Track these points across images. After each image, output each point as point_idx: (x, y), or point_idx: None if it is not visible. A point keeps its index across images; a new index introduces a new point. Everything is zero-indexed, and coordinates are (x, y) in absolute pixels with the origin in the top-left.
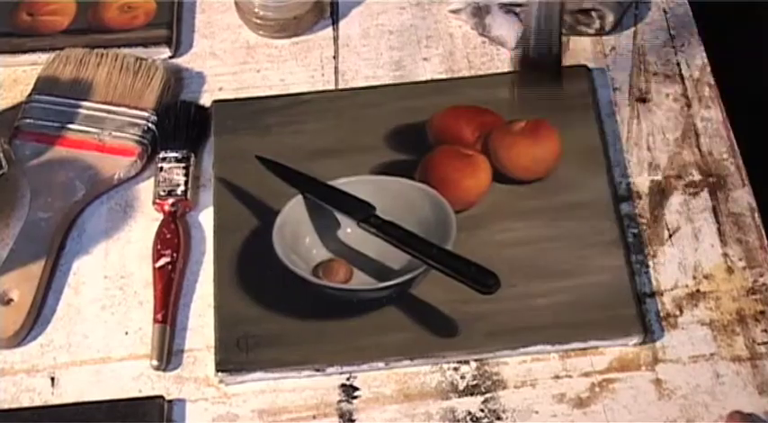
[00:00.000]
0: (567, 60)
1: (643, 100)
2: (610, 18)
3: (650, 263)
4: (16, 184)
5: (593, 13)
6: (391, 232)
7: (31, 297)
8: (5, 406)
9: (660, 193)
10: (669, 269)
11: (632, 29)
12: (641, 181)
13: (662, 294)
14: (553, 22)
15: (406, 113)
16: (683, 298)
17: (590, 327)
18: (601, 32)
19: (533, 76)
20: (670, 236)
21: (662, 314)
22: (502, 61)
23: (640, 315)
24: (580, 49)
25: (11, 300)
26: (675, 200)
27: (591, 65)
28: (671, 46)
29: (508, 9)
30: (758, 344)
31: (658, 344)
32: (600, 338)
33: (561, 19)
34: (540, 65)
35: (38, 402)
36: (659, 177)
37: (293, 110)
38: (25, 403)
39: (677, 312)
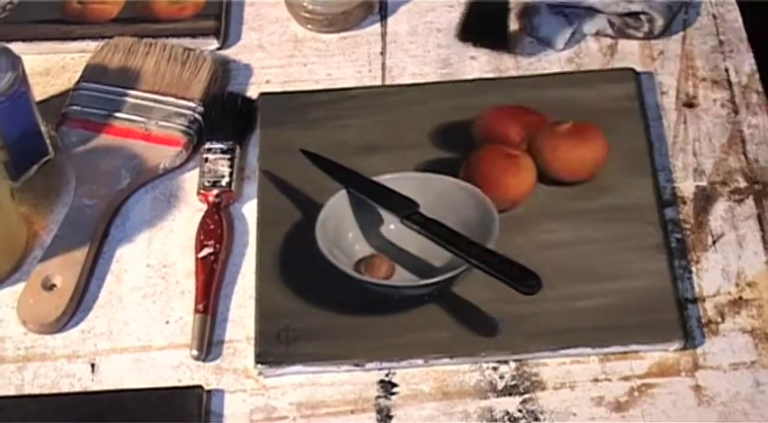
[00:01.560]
0: (614, 62)
1: (690, 105)
2: (659, 22)
3: (693, 268)
4: (62, 171)
5: (643, 17)
6: (434, 230)
7: (74, 283)
8: (46, 391)
9: (705, 199)
10: (712, 276)
11: (681, 33)
12: (686, 186)
13: (704, 301)
14: None
15: (452, 111)
16: (725, 305)
17: (631, 331)
18: (650, 36)
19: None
20: (714, 242)
21: (703, 320)
22: (549, 61)
23: (682, 321)
24: (628, 52)
25: (53, 285)
26: (720, 206)
27: (638, 68)
28: (719, 51)
29: (557, 10)
30: None
31: (699, 350)
32: (640, 343)
33: None
34: (482, 29)
35: (78, 388)
36: (704, 183)
37: (339, 105)
38: (65, 389)
39: (719, 319)
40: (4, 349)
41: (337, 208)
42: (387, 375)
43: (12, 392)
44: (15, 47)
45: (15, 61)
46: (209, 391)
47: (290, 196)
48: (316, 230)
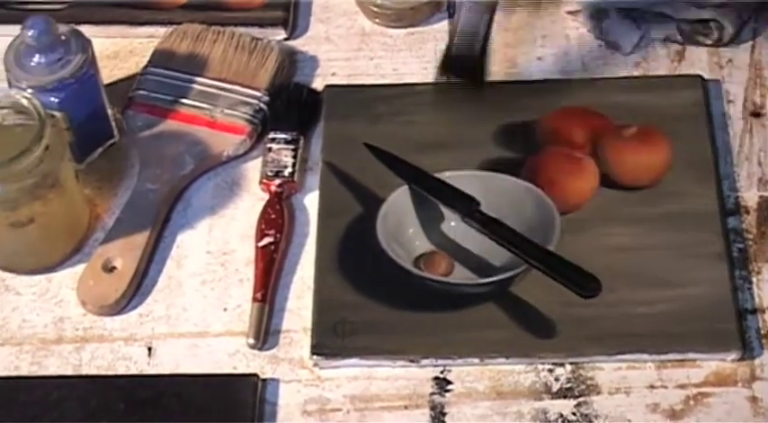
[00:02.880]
0: (682, 69)
1: (757, 114)
2: (729, 30)
3: (754, 279)
4: (126, 154)
5: (712, 24)
6: (495, 229)
7: (134, 266)
8: (102, 372)
9: None
10: None
11: (750, 42)
12: (750, 196)
13: (764, 312)
14: (478, 25)
15: (517, 111)
16: None
17: (688, 338)
18: (718, 44)
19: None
20: None
21: (762, 332)
22: (617, 65)
23: (740, 331)
24: (696, 59)
25: (114, 268)
26: None
27: (706, 75)
28: None
29: (627, 14)
30: None
31: (757, 361)
32: (698, 351)
33: (489, 25)
34: (461, 65)
35: (133, 371)
36: None
37: (405, 100)
38: (121, 371)
39: None
40: (62, 329)
41: (399, 203)
42: (442, 372)
43: (69, 372)
44: (85, 29)
45: (85, 44)
46: (263, 380)
47: (351, 189)
48: (376, 225)
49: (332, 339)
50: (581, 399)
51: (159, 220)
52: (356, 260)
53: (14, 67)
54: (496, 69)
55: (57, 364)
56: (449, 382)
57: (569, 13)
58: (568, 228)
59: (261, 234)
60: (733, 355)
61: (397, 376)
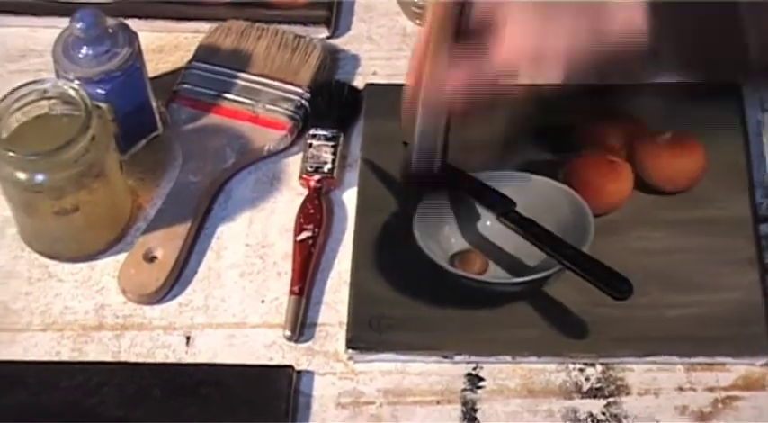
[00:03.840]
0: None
1: None
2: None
3: None
4: (170, 147)
5: None
6: (529, 229)
7: (175, 257)
8: (141, 359)
9: None
10: None
11: None
12: None
13: None
14: (435, 141)
15: (554, 114)
16: None
17: (718, 342)
18: None
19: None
20: None
21: None
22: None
23: None
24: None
25: (155, 257)
26: None
27: None
28: None
29: None
30: None
31: None
32: (727, 355)
33: (445, 140)
34: (420, 180)
35: (172, 359)
36: None
37: None
38: (159, 359)
39: None
40: (103, 317)
41: (436, 201)
42: (474, 369)
43: (108, 358)
44: (132, 23)
45: (132, 37)
46: (299, 372)
47: (389, 187)
48: (413, 222)
49: (367, 334)
50: (611, 399)
51: (200, 212)
52: (392, 256)
53: (62, 58)
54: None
55: (97, 350)
56: (481, 379)
57: None
58: (602, 230)
59: (299, 228)
60: (762, 360)
61: (430, 372)
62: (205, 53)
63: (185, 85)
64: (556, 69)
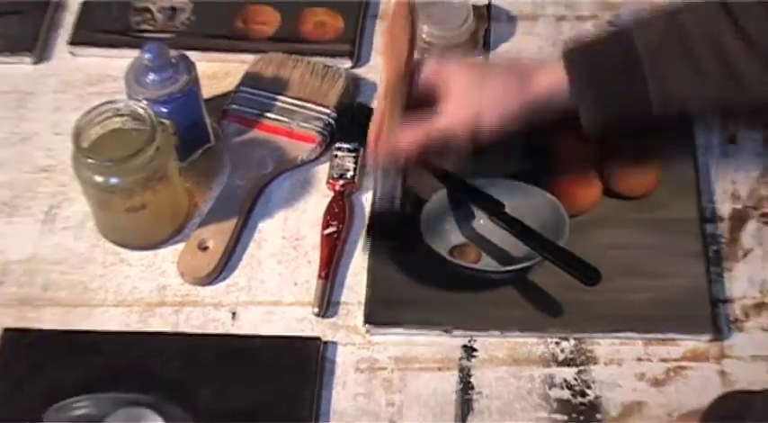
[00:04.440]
0: None
1: (732, 141)
2: None
3: (725, 275)
4: (220, 156)
5: None
6: (516, 227)
7: (223, 246)
8: (195, 331)
9: (739, 219)
10: (740, 282)
11: None
12: (724, 208)
13: (732, 302)
14: (394, 187)
15: (539, 135)
16: (750, 307)
17: (670, 322)
18: None
19: (380, 225)
20: (744, 255)
21: (731, 318)
22: None
23: (713, 317)
24: None
25: (207, 247)
26: (751, 226)
27: None
28: None
29: None
30: None
31: (726, 342)
32: (678, 332)
33: (402, 186)
34: (384, 216)
35: (220, 331)
36: (739, 206)
37: None
38: (210, 330)
39: (744, 318)
40: (164, 295)
41: (438, 203)
42: (469, 341)
43: (168, 330)
44: (191, 54)
45: (190, 66)
46: (325, 342)
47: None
48: (420, 220)
49: (381, 311)
50: (581, 367)
51: (244, 210)
52: (402, 248)
53: (133, 82)
54: None
55: (158, 323)
56: (474, 350)
57: None
58: (576, 228)
59: (326, 224)
60: (706, 337)
61: (433, 343)
62: (250, 80)
63: (233, 106)
64: (490, 127)
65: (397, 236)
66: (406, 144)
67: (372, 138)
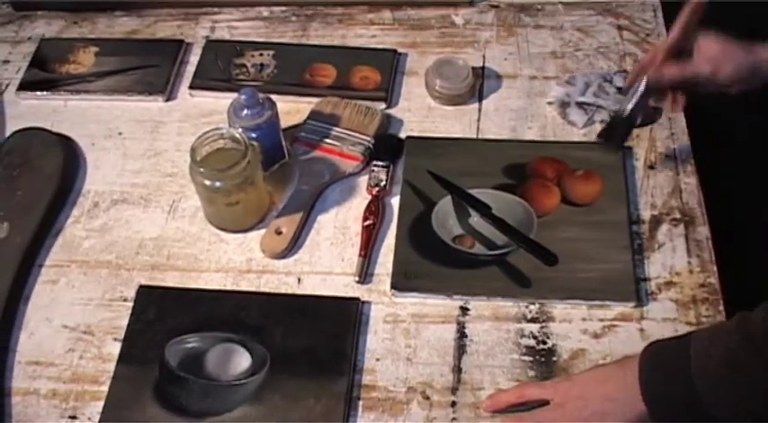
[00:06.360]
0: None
1: (651, 167)
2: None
3: (645, 262)
4: (292, 169)
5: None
6: (499, 223)
7: (293, 232)
8: (272, 290)
9: (656, 222)
10: (656, 266)
11: (650, 126)
12: (646, 214)
13: (650, 280)
14: (638, 110)
15: (515, 157)
16: (662, 284)
17: (607, 293)
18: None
19: (615, 130)
20: (658, 247)
21: (649, 291)
22: (573, 134)
23: (636, 290)
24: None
25: (281, 232)
26: (664, 227)
27: (627, 145)
28: (671, 139)
29: (581, 106)
30: (702, 316)
31: (645, 308)
32: (611, 300)
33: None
34: (612, 133)
35: (289, 292)
36: (656, 213)
37: (451, 147)
38: (282, 291)
39: (657, 292)
40: (251, 265)
41: (444, 205)
42: (464, 303)
43: (253, 289)
44: (273, 97)
45: (272, 105)
46: (363, 302)
47: (419, 196)
48: (432, 217)
49: (402, 281)
50: (543, 324)
51: (308, 207)
52: (419, 237)
53: (232, 116)
54: (505, 134)
55: (246, 285)
56: (468, 310)
57: (548, 103)
58: (541, 226)
59: (365, 218)
60: (632, 304)
61: (438, 304)
62: (314, 115)
63: (302, 134)
64: (724, 78)
65: (622, 141)
66: (669, 73)
67: (645, 61)
